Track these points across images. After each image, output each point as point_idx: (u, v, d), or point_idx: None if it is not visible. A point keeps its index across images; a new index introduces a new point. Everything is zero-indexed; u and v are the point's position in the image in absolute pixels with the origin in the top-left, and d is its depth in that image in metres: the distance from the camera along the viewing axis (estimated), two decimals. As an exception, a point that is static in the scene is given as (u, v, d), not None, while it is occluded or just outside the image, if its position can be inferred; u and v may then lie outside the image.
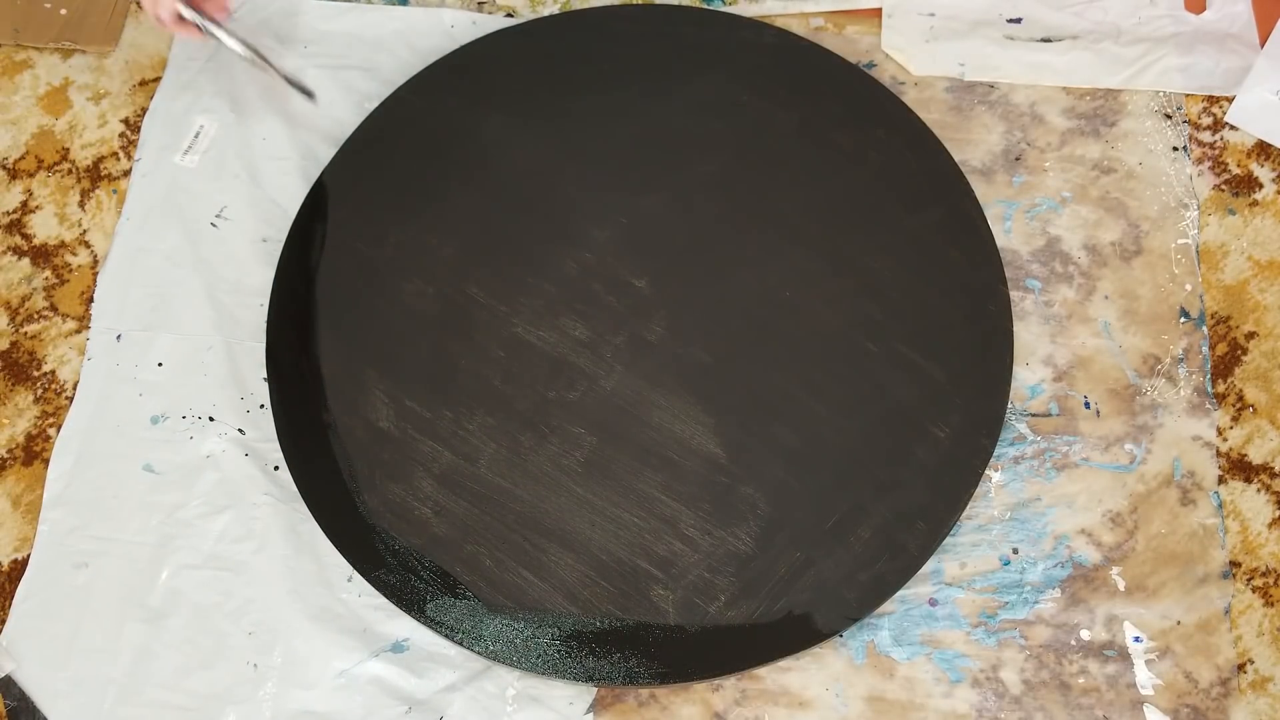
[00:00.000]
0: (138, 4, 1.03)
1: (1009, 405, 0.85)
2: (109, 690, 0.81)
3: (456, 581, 0.81)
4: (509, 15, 1.02)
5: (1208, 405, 0.85)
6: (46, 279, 0.94)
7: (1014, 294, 0.88)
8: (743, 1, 1.01)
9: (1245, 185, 0.92)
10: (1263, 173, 0.92)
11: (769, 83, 0.94)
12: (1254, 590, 0.81)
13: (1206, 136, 0.94)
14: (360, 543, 0.82)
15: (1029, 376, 0.87)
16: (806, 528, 0.81)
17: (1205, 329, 0.88)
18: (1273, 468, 0.84)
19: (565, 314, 0.88)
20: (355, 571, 0.82)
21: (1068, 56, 0.96)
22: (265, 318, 0.90)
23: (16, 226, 0.96)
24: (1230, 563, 0.81)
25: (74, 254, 0.95)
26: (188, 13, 0.85)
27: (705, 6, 1.01)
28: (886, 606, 0.80)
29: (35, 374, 0.91)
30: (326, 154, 0.95)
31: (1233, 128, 0.94)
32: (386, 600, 0.81)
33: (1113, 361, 0.87)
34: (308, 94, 0.91)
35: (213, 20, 0.86)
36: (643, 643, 0.78)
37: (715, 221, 0.90)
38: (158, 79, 1.01)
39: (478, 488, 0.83)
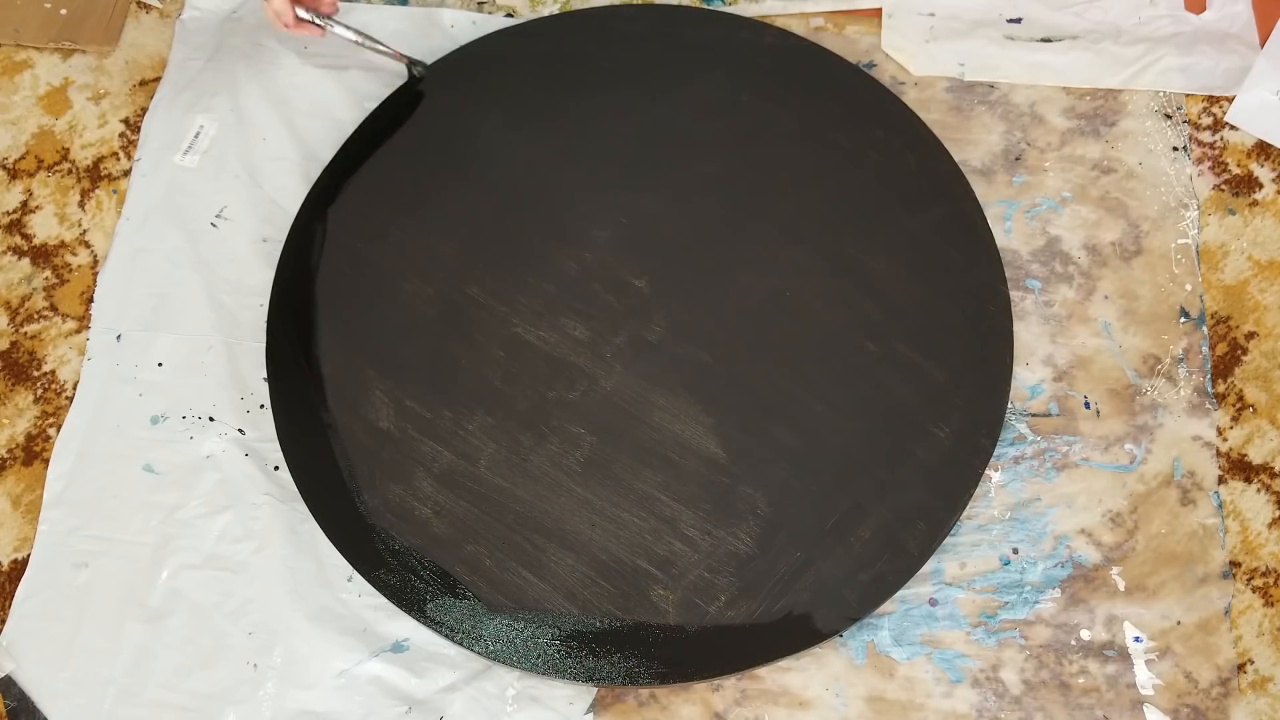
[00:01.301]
0: (139, 4, 1.03)
1: (1009, 405, 0.85)
2: (109, 690, 0.81)
3: (456, 581, 0.81)
4: (509, 15, 1.02)
5: (1208, 405, 0.85)
6: (46, 279, 0.94)
7: (1014, 294, 0.88)
8: (743, 1, 1.01)
9: (1245, 185, 0.92)
10: (1263, 173, 0.92)
11: (769, 83, 0.94)
12: (1254, 590, 0.81)
13: (1206, 136, 0.94)
14: (360, 543, 0.82)
15: (1029, 376, 0.87)
16: (806, 528, 0.81)
17: (1205, 329, 0.88)
18: (1273, 468, 0.84)
19: (565, 314, 0.88)
20: (355, 571, 0.82)
21: (1068, 56, 0.96)
22: (265, 318, 0.90)
23: (16, 226, 0.96)
24: (1230, 563, 0.81)
25: (74, 254, 0.95)
26: (304, 13, 0.89)
27: (705, 6, 1.01)
28: (886, 606, 0.80)
29: (35, 374, 0.91)
30: (326, 154, 0.95)
31: (1233, 128, 0.94)
32: (386, 600, 0.81)
33: (1113, 361, 0.87)
34: (420, 66, 0.96)
35: (326, 16, 0.91)
36: (643, 643, 0.78)
37: (715, 221, 0.90)
38: (158, 79, 1.01)
39: (478, 488, 0.83)
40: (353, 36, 0.91)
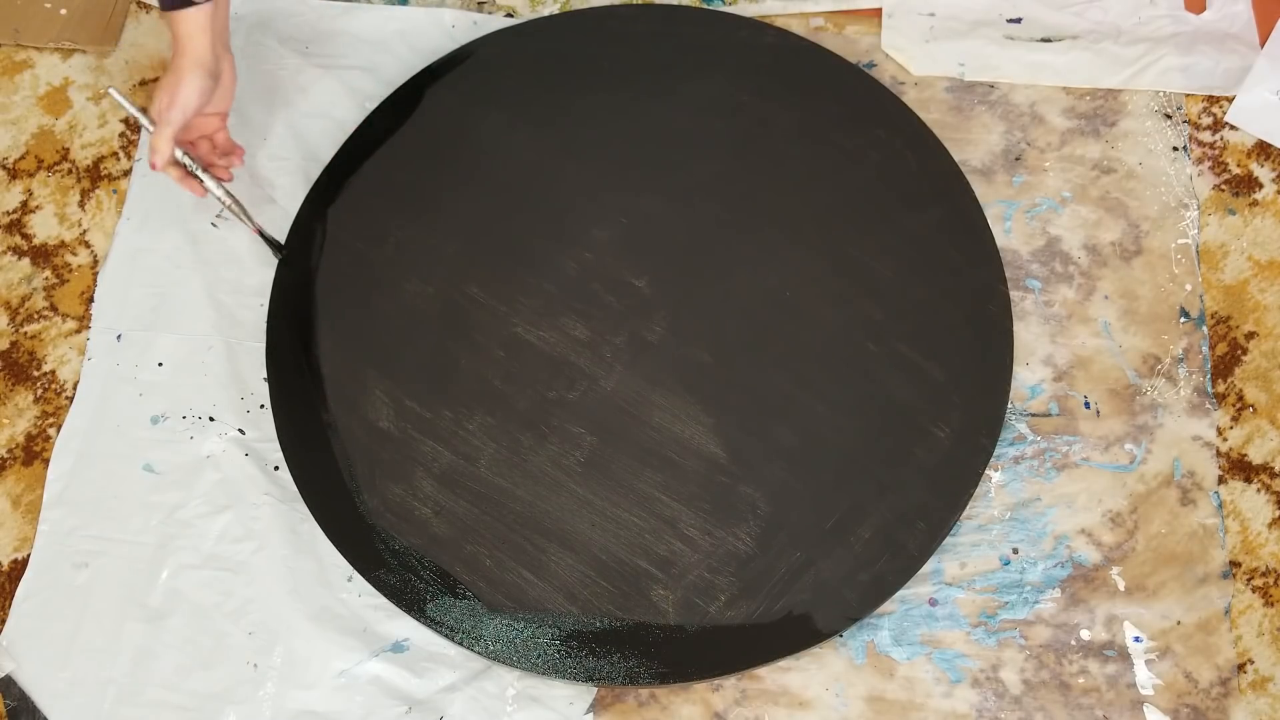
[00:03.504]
0: (139, 4, 1.03)
1: (1009, 405, 0.85)
2: (109, 690, 0.81)
3: (456, 581, 0.81)
4: (509, 15, 1.02)
5: (1208, 405, 0.85)
6: (46, 279, 0.94)
7: (1014, 294, 0.88)
8: (743, 1, 1.01)
9: (1245, 185, 0.92)
10: (1263, 173, 0.92)
11: (769, 83, 0.94)
12: (1254, 590, 0.81)
13: (1206, 136, 0.94)
14: (360, 543, 0.82)
15: (1029, 376, 0.87)
16: (806, 528, 0.81)
17: (1205, 329, 0.88)
18: (1273, 468, 0.84)
19: (565, 314, 0.88)
20: (355, 571, 0.82)
21: (1068, 56, 0.96)
22: (265, 318, 0.90)
23: (16, 226, 0.96)
24: (1230, 563, 0.81)
25: (74, 254, 0.95)
26: (182, 157, 0.84)
27: (705, 6, 1.01)
28: (886, 606, 0.80)
29: (35, 374, 0.91)
30: (326, 154, 0.95)
31: (1233, 128, 0.94)
32: (386, 600, 0.81)
33: (1113, 361, 0.87)
34: (278, 249, 0.91)
35: (206, 169, 0.86)
36: (643, 643, 0.78)
37: (715, 221, 0.90)
38: (158, 79, 1.01)
39: (478, 488, 0.83)
40: (226, 200, 0.86)
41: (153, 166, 0.83)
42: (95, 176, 0.98)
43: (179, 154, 0.84)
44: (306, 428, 0.86)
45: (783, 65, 0.95)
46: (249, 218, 0.88)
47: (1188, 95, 0.95)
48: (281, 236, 0.92)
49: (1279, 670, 0.79)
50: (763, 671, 0.80)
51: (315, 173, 0.95)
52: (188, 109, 0.82)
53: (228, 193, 0.86)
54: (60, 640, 0.82)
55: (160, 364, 0.90)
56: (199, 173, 0.85)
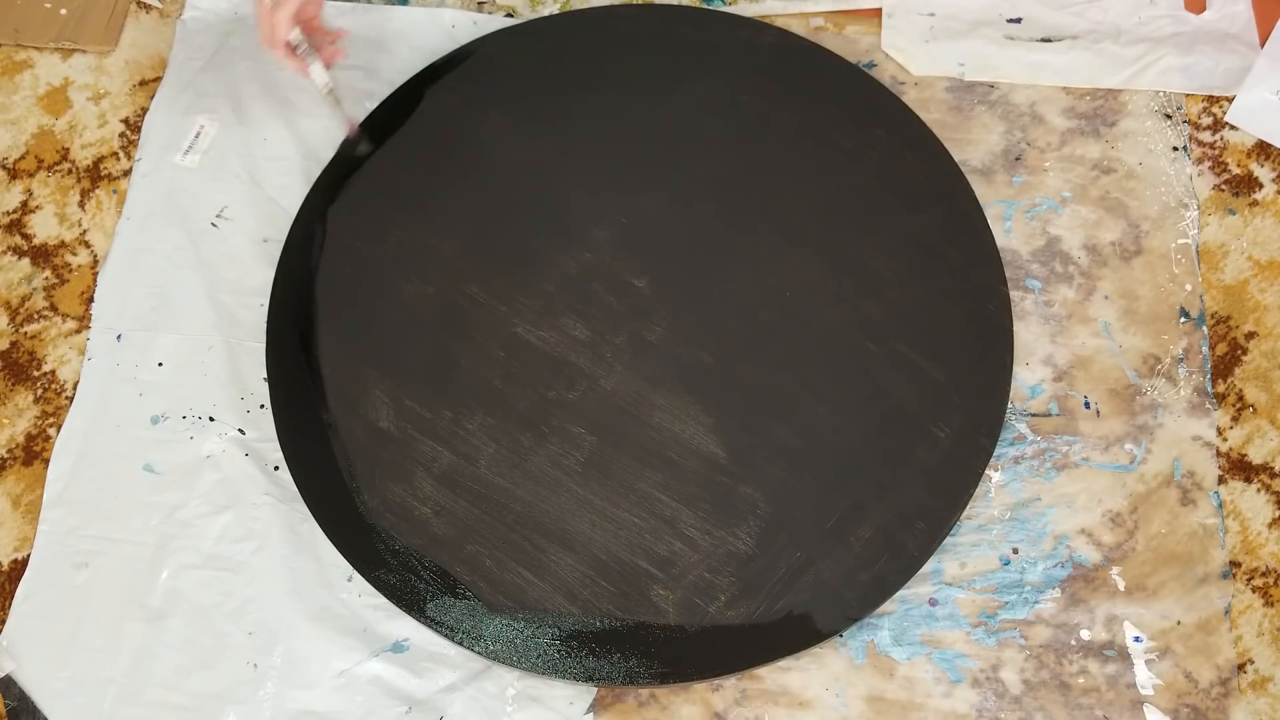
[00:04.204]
0: (139, 4, 1.03)
1: (1009, 405, 0.85)
2: (109, 690, 0.81)
3: (456, 581, 0.81)
4: (509, 15, 1.02)
5: (1208, 405, 0.85)
6: (46, 279, 0.94)
7: (1014, 294, 0.88)
8: (743, 1, 1.01)
9: (1245, 185, 0.92)
10: (1263, 173, 0.92)
11: (769, 83, 0.94)
12: (1254, 590, 0.81)
13: (1206, 136, 0.94)
14: (360, 543, 0.82)
15: (1029, 376, 0.87)
16: (806, 528, 0.81)
17: (1205, 329, 0.88)
18: (1273, 468, 0.84)
19: (565, 314, 0.88)
20: (355, 571, 0.82)
21: (1068, 56, 0.97)
22: (265, 318, 0.90)
23: (16, 226, 0.96)
24: (1230, 563, 0.81)
25: (74, 254, 0.95)
26: (296, 37, 0.86)
27: (705, 6, 1.01)
28: (886, 606, 0.80)
29: (35, 374, 0.91)
30: (326, 154, 0.95)
31: (1233, 128, 0.94)
32: (386, 600, 0.81)
33: (1113, 361, 0.87)
34: (360, 141, 0.94)
35: (314, 51, 0.88)
36: (643, 643, 0.78)
37: (715, 221, 0.90)
38: (158, 79, 1.01)
39: (478, 488, 0.83)
40: (326, 87, 0.90)
41: (267, 44, 0.85)
42: (95, 176, 0.98)
43: (295, 35, 0.86)
44: (306, 428, 0.86)
45: (783, 65, 0.95)
46: (343, 107, 0.92)
47: (1188, 95, 0.95)
48: (281, 236, 0.92)
49: (1279, 670, 0.79)
50: (763, 671, 0.80)
51: (315, 173, 0.95)
52: None
53: (330, 80, 0.89)
54: (60, 640, 0.82)
55: (160, 364, 0.90)
56: (309, 56, 0.87)
